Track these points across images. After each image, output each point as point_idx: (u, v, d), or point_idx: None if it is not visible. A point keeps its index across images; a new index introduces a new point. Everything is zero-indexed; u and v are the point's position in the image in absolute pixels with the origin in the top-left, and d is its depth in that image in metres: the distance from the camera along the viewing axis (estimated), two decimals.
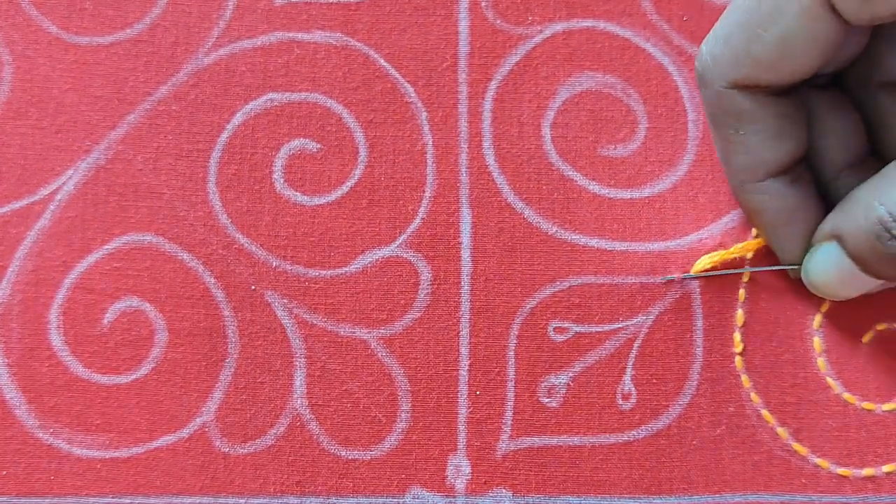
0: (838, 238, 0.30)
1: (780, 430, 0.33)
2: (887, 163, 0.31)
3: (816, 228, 0.31)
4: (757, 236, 0.33)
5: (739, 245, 0.33)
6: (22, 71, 0.35)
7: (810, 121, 0.32)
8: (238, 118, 0.34)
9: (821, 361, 0.33)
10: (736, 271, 0.33)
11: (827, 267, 0.31)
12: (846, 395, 0.33)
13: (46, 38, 0.35)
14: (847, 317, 0.33)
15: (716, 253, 0.33)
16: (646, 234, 0.34)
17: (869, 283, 0.30)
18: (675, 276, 0.33)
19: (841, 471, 0.32)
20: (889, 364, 0.33)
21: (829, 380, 0.33)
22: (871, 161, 0.32)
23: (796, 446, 0.32)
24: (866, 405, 0.33)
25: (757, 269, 0.33)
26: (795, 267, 0.32)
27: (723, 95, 0.30)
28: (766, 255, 0.34)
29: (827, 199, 0.32)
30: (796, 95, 0.31)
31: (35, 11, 0.35)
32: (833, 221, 0.30)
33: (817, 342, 0.33)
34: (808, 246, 0.32)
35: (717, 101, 0.30)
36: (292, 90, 0.35)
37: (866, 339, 0.33)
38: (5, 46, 0.35)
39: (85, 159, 0.34)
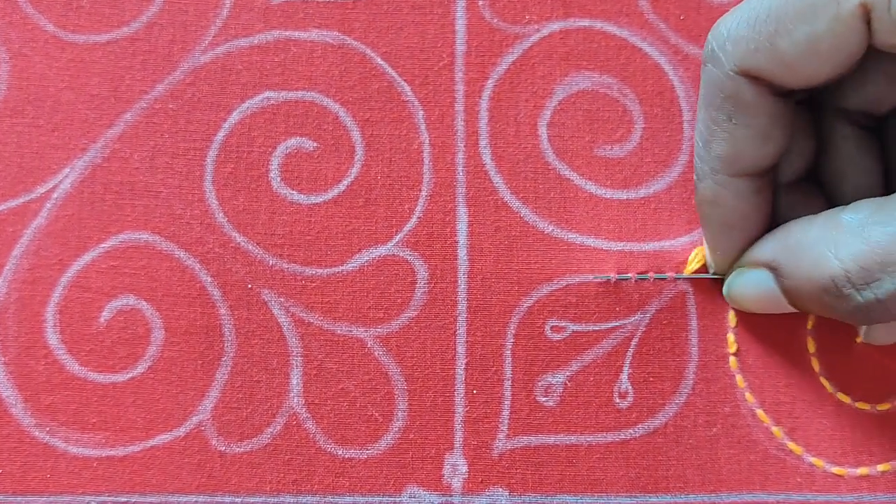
0: (774, 270, 0.30)
1: (775, 429, 0.33)
2: (822, 189, 0.32)
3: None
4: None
5: None
6: (18, 69, 0.34)
7: None
8: (235, 116, 0.34)
9: (814, 361, 0.33)
10: (663, 276, 0.33)
11: (752, 291, 0.31)
12: (840, 395, 0.33)
13: (43, 37, 0.35)
14: None
15: (700, 248, 0.33)
16: (641, 234, 0.34)
17: (788, 310, 0.30)
18: (646, 274, 0.33)
19: (836, 470, 0.32)
20: (882, 364, 0.33)
21: (823, 380, 0.33)
22: (805, 185, 0.32)
23: (791, 445, 0.33)
24: (860, 405, 0.33)
25: (684, 276, 0.33)
26: (721, 277, 0.33)
27: (729, 79, 0.29)
28: None
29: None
30: (791, 101, 0.30)
31: (31, 9, 0.35)
32: (772, 252, 0.30)
33: (810, 342, 0.33)
34: (739, 256, 0.32)
35: (720, 83, 0.29)
36: (289, 89, 0.35)
37: (859, 339, 0.33)
38: (2, 45, 0.35)
39: (81, 157, 0.34)
